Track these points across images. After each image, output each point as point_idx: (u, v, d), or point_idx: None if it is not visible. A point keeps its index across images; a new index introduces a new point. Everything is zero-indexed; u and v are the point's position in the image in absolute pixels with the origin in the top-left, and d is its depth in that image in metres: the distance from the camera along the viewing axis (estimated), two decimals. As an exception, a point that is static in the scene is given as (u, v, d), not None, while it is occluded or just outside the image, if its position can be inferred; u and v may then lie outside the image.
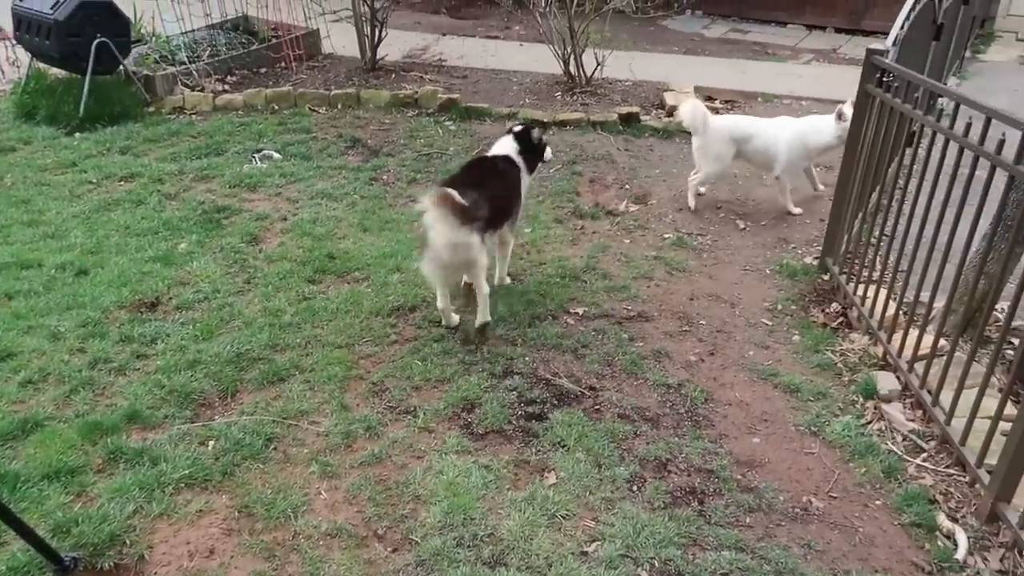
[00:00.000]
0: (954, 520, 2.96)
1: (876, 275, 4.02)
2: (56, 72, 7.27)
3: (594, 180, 6.00)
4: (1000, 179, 2.97)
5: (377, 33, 8.12)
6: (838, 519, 2.99)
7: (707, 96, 7.56)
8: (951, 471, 3.19)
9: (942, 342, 3.47)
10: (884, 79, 3.95)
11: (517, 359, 3.81)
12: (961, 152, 3.21)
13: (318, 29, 8.77)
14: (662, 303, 4.38)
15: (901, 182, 3.87)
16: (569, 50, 7.63)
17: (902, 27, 4.59)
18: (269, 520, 2.89)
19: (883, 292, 3.93)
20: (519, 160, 4.24)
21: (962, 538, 2.87)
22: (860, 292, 4.14)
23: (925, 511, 2.98)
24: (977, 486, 3.05)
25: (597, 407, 3.53)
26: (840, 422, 3.46)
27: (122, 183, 5.77)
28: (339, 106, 7.39)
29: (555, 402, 3.55)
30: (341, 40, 8.80)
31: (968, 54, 9.44)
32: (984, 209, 3.10)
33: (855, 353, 3.94)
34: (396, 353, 3.87)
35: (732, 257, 4.95)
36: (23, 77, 7.29)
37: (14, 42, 7.33)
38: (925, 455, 3.29)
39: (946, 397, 3.30)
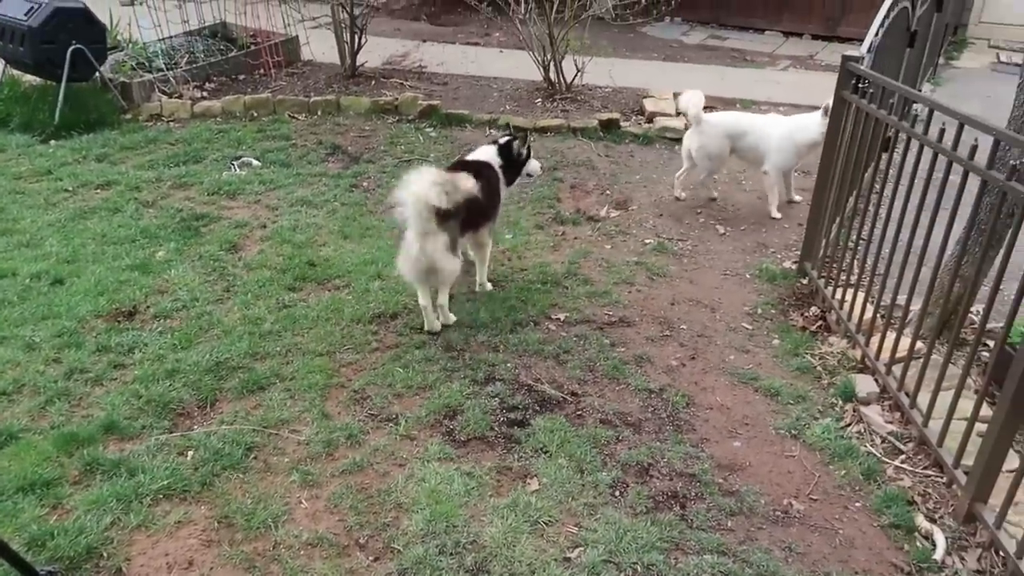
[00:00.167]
0: (932, 521, 2.99)
1: (854, 279, 4.06)
2: (31, 79, 7.17)
3: (575, 186, 6.03)
4: (973, 184, 3.03)
5: (357, 40, 8.10)
6: (819, 521, 3.00)
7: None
8: (929, 472, 3.23)
9: (919, 345, 3.52)
10: (860, 85, 4.00)
11: (499, 365, 3.81)
12: (935, 157, 3.26)
13: (297, 36, 8.74)
14: (643, 308, 4.40)
15: (877, 187, 3.91)
16: (549, 57, 7.67)
17: (877, 34, 4.65)
18: (249, 530, 2.86)
19: (861, 296, 3.98)
20: (499, 171, 4.31)
21: (940, 539, 2.90)
22: (838, 296, 4.18)
23: (904, 512, 3.01)
24: (954, 487, 3.09)
25: (579, 413, 3.53)
26: (820, 425, 3.49)
27: (98, 191, 5.70)
28: (319, 113, 7.36)
29: (537, 408, 3.54)
30: (320, 47, 8.77)
31: (942, 60, 9.61)
32: (958, 213, 3.14)
33: (834, 356, 3.97)
34: (377, 360, 3.85)
35: (712, 262, 4.98)
36: (-4, 84, 7.19)
37: (-13, 49, 7.23)
38: (903, 457, 3.32)
39: (923, 399, 3.34)
